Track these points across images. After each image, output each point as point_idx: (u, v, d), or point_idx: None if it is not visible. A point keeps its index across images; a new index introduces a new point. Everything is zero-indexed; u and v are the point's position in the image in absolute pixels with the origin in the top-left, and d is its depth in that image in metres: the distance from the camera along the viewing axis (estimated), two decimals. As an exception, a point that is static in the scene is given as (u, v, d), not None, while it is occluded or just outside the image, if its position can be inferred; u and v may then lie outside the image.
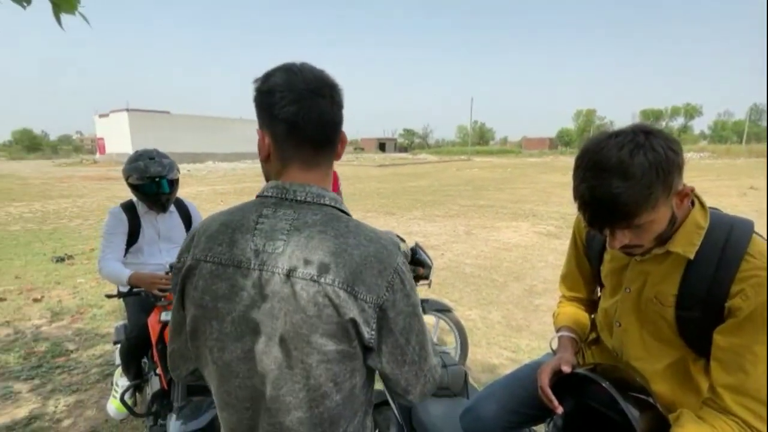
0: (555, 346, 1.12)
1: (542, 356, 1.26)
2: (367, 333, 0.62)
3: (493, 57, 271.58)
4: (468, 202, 10.64)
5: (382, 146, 73.54)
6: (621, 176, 0.74)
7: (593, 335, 1.15)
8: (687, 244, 0.83)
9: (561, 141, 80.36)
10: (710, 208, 0.88)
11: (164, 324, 1.67)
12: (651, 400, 0.84)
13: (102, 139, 36.63)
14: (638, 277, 0.93)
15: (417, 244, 2.93)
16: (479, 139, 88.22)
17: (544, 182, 16.01)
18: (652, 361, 0.94)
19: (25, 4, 1.22)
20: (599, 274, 1.09)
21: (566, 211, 9.02)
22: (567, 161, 35.25)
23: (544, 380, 0.96)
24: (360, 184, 15.64)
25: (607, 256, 1.04)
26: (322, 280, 0.60)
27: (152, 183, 1.91)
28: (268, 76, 0.67)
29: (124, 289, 1.87)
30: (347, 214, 0.70)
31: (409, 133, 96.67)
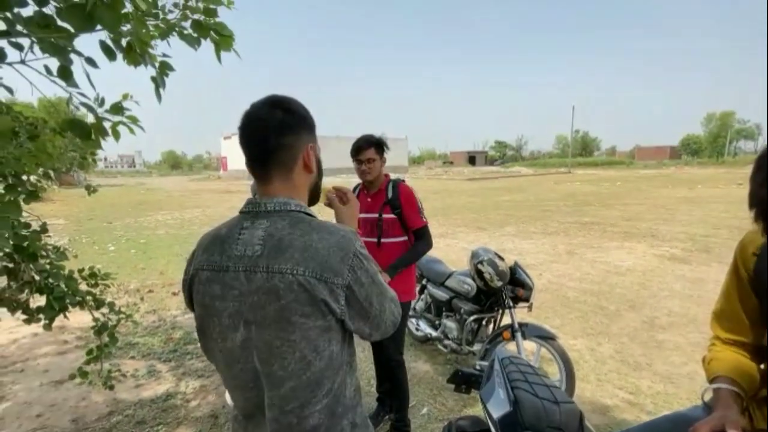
0: (708, 398, 0.92)
1: (689, 408, 1.05)
2: (338, 308, 0.76)
3: (598, 59, 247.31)
4: (569, 219, 9.72)
5: (472, 159, 71.83)
6: None
7: (764, 392, 0.92)
8: None
9: (686, 149, 68.97)
10: None
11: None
12: None
13: (225, 157, 42.70)
14: None
15: (517, 263, 2.77)
16: (582, 150, 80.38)
17: (664, 197, 13.85)
18: None
19: (196, 46, 1.47)
20: None
21: (696, 231, 7.65)
22: (695, 173, 29.97)
23: None
24: (449, 199, 15.44)
25: None
26: (296, 271, 0.73)
27: None
28: (244, 111, 0.83)
29: None
30: (312, 215, 0.83)
31: (501, 145, 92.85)
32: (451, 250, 6.56)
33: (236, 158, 38.21)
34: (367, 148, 2.02)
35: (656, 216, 9.80)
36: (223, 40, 1.46)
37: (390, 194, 2.09)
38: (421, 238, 2.12)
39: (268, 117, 0.80)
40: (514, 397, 1.25)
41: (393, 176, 2.26)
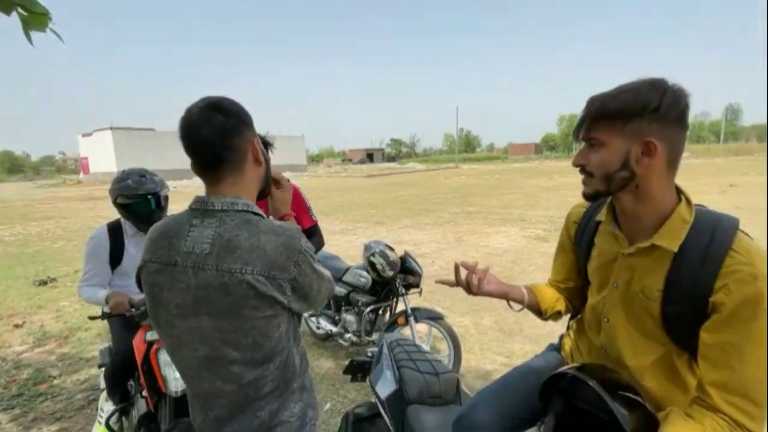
0: (515, 307, 1.20)
1: (531, 359, 1.26)
2: (285, 299, 0.84)
3: (478, 64, 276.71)
4: (457, 210, 10.71)
5: (370, 156, 73.82)
6: (618, 90, 0.86)
7: (573, 324, 1.18)
8: (672, 238, 0.85)
9: (546, 146, 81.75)
10: (696, 205, 0.89)
11: (150, 344, 1.63)
12: (639, 398, 0.85)
13: (86, 158, 36.05)
14: (625, 271, 0.94)
15: (406, 253, 2.95)
16: (466, 147, 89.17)
17: (531, 187, 16.21)
18: (638, 357, 0.94)
19: None
20: (586, 271, 1.10)
21: (553, 214, 9.13)
22: (552, 165, 35.80)
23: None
24: (349, 195, 15.63)
25: (594, 252, 1.05)
26: (245, 271, 0.79)
27: (144, 201, 1.89)
28: (181, 118, 0.85)
29: (109, 309, 1.83)
30: (260, 215, 0.88)
31: (396, 142, 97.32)
32: (351, 246, 6.66)
33: (100, 159, 32.53)
34: None
35: (525, 203, 11.42)
36: (35, 18, 1.23)
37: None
38: (311, 237, 2.10)
39: (211, 123, 0.83)
40: (399, 376, 1.34)
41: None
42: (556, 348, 1.26)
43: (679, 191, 0.89)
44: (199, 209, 0.86)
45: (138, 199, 1.88)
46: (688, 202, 0.88)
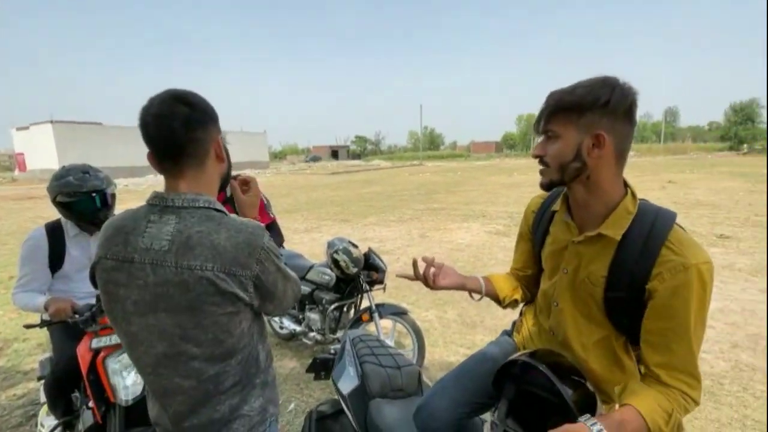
0: (475, 296, 1.25)
1: (486, 346, 1.31)
2: (247, 296, 0.83)
3: (442, 63, 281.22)
4: (421, 206, 10.86)
5: (334, 154, 73.12)
6: (573, 87, 0.91)
7: (514, 298, 1.26)
8: (616, 228, 0.91)
9: (506, 144, 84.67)
10: (640, 199, 0.96)
11: (96, 351, 1.53)
12: (582, 379, 0.91)
13: (22, 154, 33.02)
14: (574, 258, 1.00)
15: (370, 250, 2.96)
16: (430, 145, 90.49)
17: (492, 184, 16.75)
18: (582, 338, 1.01)
19: None
20: (540, 257, 1.16)
21: (513, 210, 9.49)
22: (512, 163, 37.16)
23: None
24: (314, 193, 15.42)
25: (549, 239, 1.11)
26: (205, 268, 0.79)
27: (87, 199, 1.76)
28: (143, 107, 0.83)
29: (49, 316, 1.70)
30: (222, 211, 0.87)
31: (361, 140, 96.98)
32: (315, 244, 6.58)
33: (39, 154, 29.81)
34: None
35: (486, 199, 11.79)
36: None
37: (229, 192, 1.94)
38: (269, 234, 2.04)
39: (174, 112, 0.80)
40: (362, 371, 1.35)
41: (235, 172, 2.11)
42: (509, 333, 1.32)
43: (626, 185, 0.96)
44: (158, 205, 0.84)
45: (80, 197, 1.74)
46: (633, 195, 0.95)
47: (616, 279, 0.91)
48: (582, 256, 0.98)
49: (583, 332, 1.01)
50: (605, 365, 1.00)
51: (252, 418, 0.91)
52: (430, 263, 1.17)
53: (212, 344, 0.83)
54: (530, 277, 1.28)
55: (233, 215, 0.89)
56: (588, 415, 0.80)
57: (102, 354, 1.58)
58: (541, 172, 0.99)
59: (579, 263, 0.99)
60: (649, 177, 16.52)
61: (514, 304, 1.28)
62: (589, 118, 0.88)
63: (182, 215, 0.82)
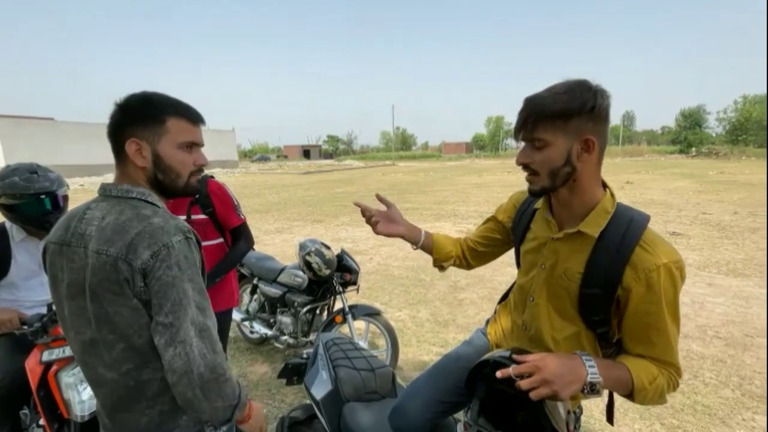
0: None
1: (458, 346, 1.33)
2: (135, 289, 0.81)
3: (414, 66, 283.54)
4: (394, 206, 10.91)
5: (306, 153, 72.14)
6: (554, 91, 0.90)
7: (450, 257, 1.35)
8: (594, 226, 0.95)
9: (476, 145, 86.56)
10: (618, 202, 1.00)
11: (47, 365, 1.42)
12: None
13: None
14: (553, 254, 1.03)
15: (343, 251, 2.93)
16: (402, 145, 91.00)
17: (462, 184, 17.07)
18: (554, 333, 1.05)
19: None
20: (519, 253, 1.19)
21: (483, 209, 9.72)
22: (482, 164, 38.05)
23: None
24: (285, 193, 15.14)
25: (529, 235, 1.13)
26: (109, 252, 0.81)
27: (35, 201, 1.63)
28: None
29: None
30: (155, 205, 0.90)
31: (333, 139, 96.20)
32: (287, 245, 6.46)
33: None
34: None
35: (458, 199, 12.00)
36: None
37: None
38: (239, 237, 1.97)
39: (112, 114, 0.89)
40: (335, 375, 1.33)
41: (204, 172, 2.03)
42: (483, 332, 1.35)
43: (605, 185, 1.00)
44: (101, 194, 0.91)
45: (27, 200, 1.61)
46: (612, 195, 0.98)
47: (592, 275, 0.95)
48: (560, 253, 1.01)
49: (556, 327, 1.04)
50: None
51: (190, 429, 0.91)
52: (387, 205, 1.30)
53: (125, 335, 0.83)
54: (478, 252, 1.35)
55: (166, 213, 0.90)
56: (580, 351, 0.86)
57: (54, 367, 1.47)
58: (530, 180, 0.99)
59: (557, 259, 1.02)
60: (610, 177, 16.86)
61: (445, 261, 1.35)
62: (576, 123, 0.89)
63: (113, 204, 0.87)
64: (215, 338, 0.85)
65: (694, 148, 40.72)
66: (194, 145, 0.95)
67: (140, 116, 0.89)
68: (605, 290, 0.93)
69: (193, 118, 0.94)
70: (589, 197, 0.97)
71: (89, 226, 0.85)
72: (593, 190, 0.97)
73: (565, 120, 0.89)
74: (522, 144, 0.98)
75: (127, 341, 0.84)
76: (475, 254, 1.36)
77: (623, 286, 0.91)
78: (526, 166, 0.97)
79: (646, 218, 0.96)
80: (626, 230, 0.92)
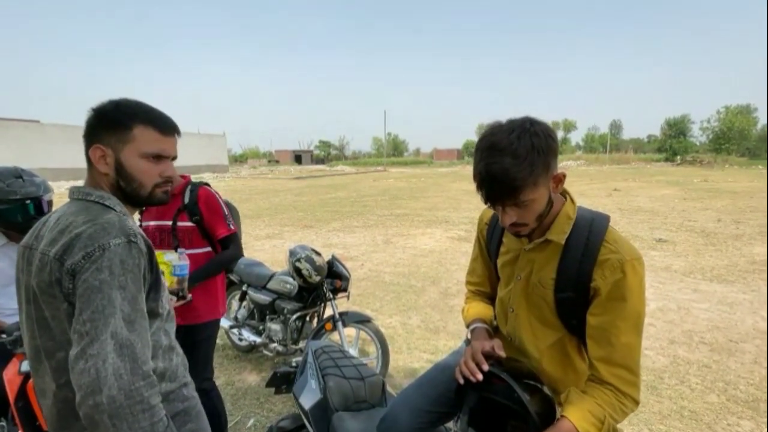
0: (470, 337, 1.17)
1: (448, 355, 1.32)
2: (64, 290, 0.77)
3: (406, 70, 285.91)
4: (385, 212, 10.91)
5: (298, 158, 71.95)
6: (511, 155, 0.86)
7: (494, 323, 1.26)
8: (560, 233, 0.98)
9: (467, 152, 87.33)
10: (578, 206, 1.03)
11: (26, 375, 1.38)
12: (539, 384, 0.94)
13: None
14: (527, 265, 1.05)
15: (334, 257, 2.91)
16: (394, 151, 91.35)
17: (454, 190, 17.17)
18: (538, 342, 1.05)
19: None
20: (497, 268, 1.19)
21: (474, 216, 9.76)
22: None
23: (481, 359, 0.96)
24: (276, 198, 15.05)
25: (503, 249, 1.15)
26: (50, 252, 0.79)
27: (19, 207, 1.59)
28: None
29: None
30: (111, 208, 0.88)
31: (325, 144, 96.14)
32: (277, 251, 6.41)
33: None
34: None
35: (449, 206, 12.06)
36: None
37: (186, 199, 1.81)
38: (228, 248, 1.90)
39: (87, 118, 0.89)
40: (324, 384, 1.32)
41: (195, 178, 2.00)
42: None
43: (564, 193, 1.02)
44: (69, 197, 0.92)
45: (11, 205, 1.58)
46: (572, 201, 1.02)
47: (564, 280, 0.97)
48: (533, 262, 1.04)
49: (539, 336, 1.05)
50: (559, 367, 1.05)
51: None
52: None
53: (61, 343, 0.80)
54: (489, 293, 1.31)
55: (117, 216, 0.85)
56: None
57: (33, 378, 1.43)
58: (519, 231, 0.98)
59: (531, 269, 1.04)
60: (598, 185, 17.67)
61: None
62: (544, 168, 0.89)
63: (71, 205, 0.88)
64: (141, 359, 0.74)
65: (679, 157, 41.61)
66: (161, 157, 0.91)
67: (109, 122, 0.89)
68: (578, 292, 0.95)
69: (164, 128, 0.91)
70: (554, 209, 1.00)
71: (48, 229, 0.85)
72: (556, 201, 1.00)
73: (536, 175, 0.88)
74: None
75: (65, 350, 0.77)
76: (494, 293, 1.28)
77: (593, 287, 0.93)
78: (514, 224, 0.96)
79: (606, 219, 0.99)
80: (589, 232, 0.96)
